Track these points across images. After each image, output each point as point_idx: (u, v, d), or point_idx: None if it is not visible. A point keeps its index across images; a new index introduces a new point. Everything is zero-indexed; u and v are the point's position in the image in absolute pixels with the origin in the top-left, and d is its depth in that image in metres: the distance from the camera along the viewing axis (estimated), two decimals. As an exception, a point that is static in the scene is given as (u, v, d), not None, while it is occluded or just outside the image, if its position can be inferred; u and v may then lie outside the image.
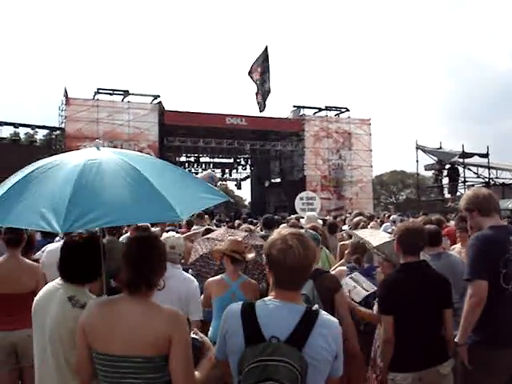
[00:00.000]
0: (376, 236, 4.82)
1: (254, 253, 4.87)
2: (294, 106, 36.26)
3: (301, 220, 8.46)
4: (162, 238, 4.21)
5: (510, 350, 3.78)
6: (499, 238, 3.85)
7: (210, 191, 3.10)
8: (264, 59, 34.02)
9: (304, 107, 36.15)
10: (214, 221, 15.21)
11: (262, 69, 33.94)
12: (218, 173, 39.02)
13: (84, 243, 3.14)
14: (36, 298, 3.17)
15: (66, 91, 29.77)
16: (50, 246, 5.77)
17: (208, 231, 7.06)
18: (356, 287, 4.68)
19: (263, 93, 33.80)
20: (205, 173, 31.03)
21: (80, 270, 3.04)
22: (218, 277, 4.79)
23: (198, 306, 4.43)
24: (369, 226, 9.02)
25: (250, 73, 34.16)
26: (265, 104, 33.76)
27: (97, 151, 2.86)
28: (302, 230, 3.21)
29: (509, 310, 3.77)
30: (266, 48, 34.09)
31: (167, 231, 6.07)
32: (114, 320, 2.50)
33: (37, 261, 5.20)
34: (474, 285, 3.72)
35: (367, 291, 4.58)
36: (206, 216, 10.51)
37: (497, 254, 3.77)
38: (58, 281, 3.14)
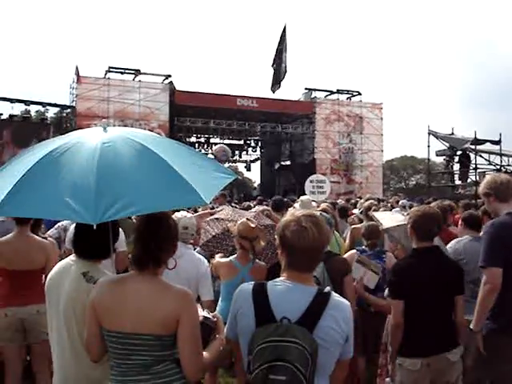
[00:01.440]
0: (391, 219, 4.78)
1: (264, 241, 4.79)
2: (306, 89, 36.13)
3: (295, 204, 8.39)
4: (175, 218, 4.19)
5: None
6: None
7: (221, 169, 3.05)
8: (282, 38, 33.84)
9: (315, 90, 35.96)
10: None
11: (279, 48, 33.80)
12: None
13: None
14: (49, 275, 3.17)
15: (77, 69, 29.77)
16: (70, 224, 5.73)
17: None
18: (366, 272, 4.67)
19: (279, 73, 33.64)
20: (217, 146, 30.94)
21: (93, 246, 3.04)
22: (227, 259, 4.75)
23: (208, 287, 4.43)
24: (380, 210, 9.00)
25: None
26: (280, 85, 33.61)
27: (104, 132, 2.77)
28: (317, 212, 3.18)
29: None
30: (285, 27, 33.88)
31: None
32: (123, 298, 2.51)
33: (45, 238, 5.20)
34: (488, 272, 3.71)
35: (378, 274, 4.57)
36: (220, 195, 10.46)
37: (510, 241, 3.74)
38: (72, 257, 3.14)
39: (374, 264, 4.78)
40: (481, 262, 3.79)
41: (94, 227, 2.22)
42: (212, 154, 30.68)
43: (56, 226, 5.93)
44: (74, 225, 3.28)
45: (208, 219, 6.07)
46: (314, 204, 8.95)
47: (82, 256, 3.08)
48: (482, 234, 4.08)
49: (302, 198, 9.22)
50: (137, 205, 2.37)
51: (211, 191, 2.81)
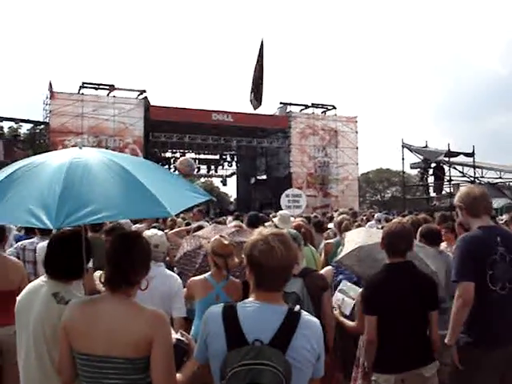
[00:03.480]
0: (354, 242, 4.77)
1: (238, 258, 4.77)
2: (281, 103, 36.34)
3: (274, 219, 8.42)
4: (146, 236, 4.14)
5: (499, 351, 3.77)
6: (486, 238, 3.84)
7: (194, 190, 3.11)
8: (260, 54, 33.93)
9: (290, 104, 36.19)
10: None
11: (257, 64, 33.90)
12: (203, 169, 39.05)
13: (69, 239, 3.09)
14: (19, 296, 3.12)
15: (50, 85, 29.56)
16: (41, 243, 5.67)
17: (199, 228, 7.00)
18: (344, 299, 4.68)
19: (258, 88, 33.67)
20: (182, 158, 30.76)
21: (65, 266, 3.00)
22: (202, 277, 4.69)
23: (181, 303, 4.37)
24: (355, 225, 9.02)
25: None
26: (261, 101, 33.59)
27: (79, 150, 2.84)
28: (284, 230, 3.17)
29: (496, 311, 3.77)
30: (262, 42, 34.00)
31: (153, 227, 6.02)
32: (95, 320, 2.47)
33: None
34: (461, 286, 3.72)
35: (353, 299, 4.57)
36: (197, 211, 10.48)
37: (483, 255, 3.76)
38: (43, 278, 3.10)
39: (355, 289, 4.76)
40: (453, 276, 3.81)
41: (53, 231, 2.23)
42: (175, 166, 30.44)
43: (15, 246, 5.84)
44: (46, 245, 3.24)
45: (188, 236, 6.05)
46: (292, 219, 8.95)
47: (53, 276, 3.04)
48: (454, 248, 4.09)
49: (280, 212, 9.23)
50: (100, 213, 2.38)
51: (178, 206, 2.83)
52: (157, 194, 2.53)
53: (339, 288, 4.85)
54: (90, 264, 4.87)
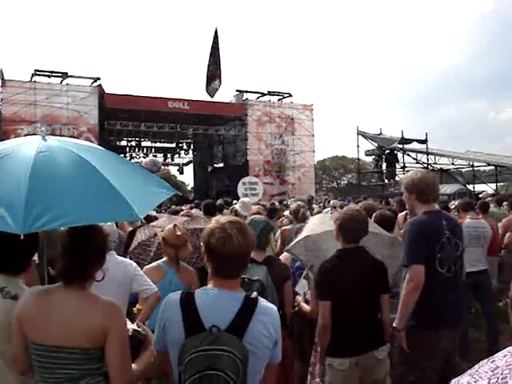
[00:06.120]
0: (309, 230, 4.86)
1: (190, 248, 4.80)
2: (237, 91, 36.16)
3: (235, 206, 8.46)
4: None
5: (446, 333, 3.88)
6: (434, 222, 3.92)
7: (161, 184, 3.04)
8: (214, 42, 33.67)
9: (247, 92, 36.03)
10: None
11: (212, 52, 33.62)
12: (160, 157, 38.61)
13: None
14: None
15: (1, 73, 28.70)
16: None
17: (147, 218, 6.97)
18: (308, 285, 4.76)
19: (213, 77, 33.42)
20: (147, 159, 30.60)
21: (10, 260, 2.94)
22: (155, 264, 4.73)
23: (145, 282, 4.23)
24: (314, 211, 9.11)
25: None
26: (218, 86, 33.35)
27: (43, 141, 2.70)
28: (243, 219, 3.20)
29: (444, 294, 3.86)
30: (216, 31, 33.75)
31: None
32: (49, 310, 2.45)
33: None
34: (411, 269, 3.77)
35: None
36: None
37: (432, 239, 3.84)
38: None
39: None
40: (403, 260, 3.87)
41: (22, 237, 2.13)
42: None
43: None
44: None
45: (142, 227, 6.04)
46: (253, 207, 9.01)
47: None
48: (403, 232, 4.17)
49: (242, 199, 9.32)
50: (67, 216, 2.31)
51: (146, 206, 2.78)
52: (125, 195, 2.47)
53: (303, 275, 4.92)
54: (35, 257, 4.81)
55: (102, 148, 3.18)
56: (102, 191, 2.49)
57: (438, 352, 3.86)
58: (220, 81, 33.11)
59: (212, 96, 33.68)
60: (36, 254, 4.75)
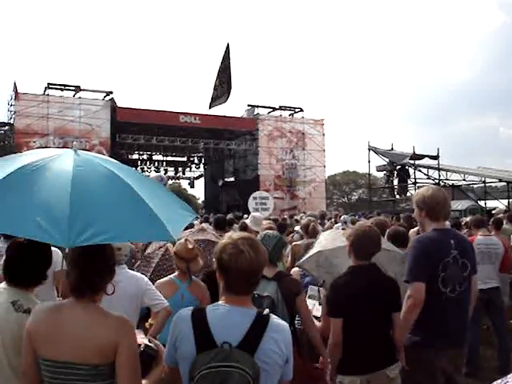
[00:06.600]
0: (321, 246, 4.84)
1: (201, 262, 4.79)
2: (249, 105, 36.36)
3: (246, 221, 8.46)
4: None
5: (447, 353, 3.84)
6: (441, 241, 3.89)
7: (184, 207, 3.05)
8: (225, 57, 33.77)
9: (258, 106, 36.26)
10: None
11: (223, 67, 33.69)
12: (171, 171, 38.86)
13: (28, 245, 3.04)
14: None
15: (15, 86, 29.11)
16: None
17: None
18: (315, 304, 4.74)
19: (222, 91, 33.43)
20: (153, 175, 30.66)
21: (24, 273, 2.95)
22: (168, 278, 4.74)
23: (157, 296, 4.21)
24: (325, 226, 9.07)
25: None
26: (220, 102, 33.36)
27: (76, 155, 2.69)
28: (254, 234, 3.19)
29: (446, 314, 3.83)
30: (228, 46, 33.88)
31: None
32: (59, 326, 2.44)
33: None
34: (412, 286, 3.77)
35: None
36: None
37: (436, 257, 3.81)
38: (3, 285, 3.04)
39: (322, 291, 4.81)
40: (405, 276, 3.86)
41: (66, 250, 2.12)
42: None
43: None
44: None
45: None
46: (264, 222, 8.99)
47: (12, 284, 2.99)
48: (409, 248, 4.15)
49: (253, 214, 9.29)
50: (109, 232, 2.32)
51: (178, 226, 2.78)
52: (159, 215, 2.48)
53: (309, 294, 4.90)
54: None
55: (128, 167, 3.19)
56: (139, 210, 2.51)
57: (437, 371, 3.82)
58: (228, 97, 33.08)
59: (210, 107, 33.62)
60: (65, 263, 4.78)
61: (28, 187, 2.41)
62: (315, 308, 4.69)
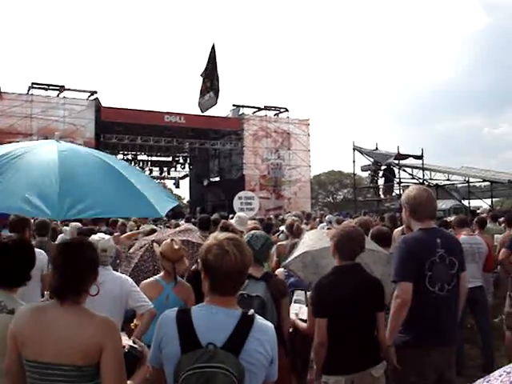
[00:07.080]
0: (307, 246, 4.85)
1: (187, 262, 4.79)
2: (234, 105, 36.26)
3: (231, 221, 8.46)
4: (93, 241, 4.09)
5: (436, 351, 3.86)
6: (427, 240, 3.91)
7: (167, 194, 3.19)
8: (211, 57, 33.54)
9: (243, 106, 36.16)
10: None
11: (210, 68, 33.46)
12: (156, 171, 38.70)
13: (12, 246, 3.02)
14: None
15: (-2, 85, 28.75)
16: None
17: (152, 231, 6.98)
18: (301, 307, 4.75)
19: (214, 93, 33.17)
20: None
21: (7, 274, 2.93)
22: (153, 278, 4.73)
23: (141, 298, 4.21)
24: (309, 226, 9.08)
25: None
26: (213, 104, 33.10)
27: (59, 143, 2.82)
28: (239, 234, 3.20)
29: (435, 312, 3.85)
30: (213, 46, 33.68)
31: (101, 231, 5.96)
32: (44, 327, 2.43)
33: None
34: (399, 286, 3.80)
35: None
36: None
37: (423, 257, 3.84)
38: None
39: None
40: (392, 276, 3.88)
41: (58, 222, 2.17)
42: None
43: None
44: None
45: (140, 239, 6.04)
46: (249, 222, 8.98)
47: None
48: (395, 248, 4.17)
49: (238, 214, 9.30)
50: (98, 208, 2.41)
51: (163, 208, 2.85)
52: (146, 194, 2.58)
53: (294, 299, 4.91)
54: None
55: (111, 155, 3.31)
56: (126, 188, 2.60)
57: (429, 370, 3.84)
58: (217, 97, 32.87)
59: (203, 111, 33.48)
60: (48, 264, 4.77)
61: (14, 170, 2.49)
62: (301, 311, 4.69)
